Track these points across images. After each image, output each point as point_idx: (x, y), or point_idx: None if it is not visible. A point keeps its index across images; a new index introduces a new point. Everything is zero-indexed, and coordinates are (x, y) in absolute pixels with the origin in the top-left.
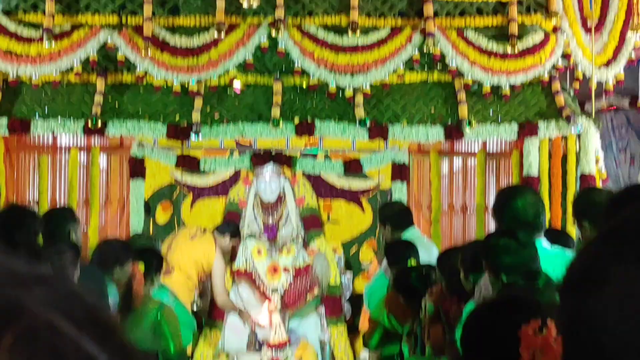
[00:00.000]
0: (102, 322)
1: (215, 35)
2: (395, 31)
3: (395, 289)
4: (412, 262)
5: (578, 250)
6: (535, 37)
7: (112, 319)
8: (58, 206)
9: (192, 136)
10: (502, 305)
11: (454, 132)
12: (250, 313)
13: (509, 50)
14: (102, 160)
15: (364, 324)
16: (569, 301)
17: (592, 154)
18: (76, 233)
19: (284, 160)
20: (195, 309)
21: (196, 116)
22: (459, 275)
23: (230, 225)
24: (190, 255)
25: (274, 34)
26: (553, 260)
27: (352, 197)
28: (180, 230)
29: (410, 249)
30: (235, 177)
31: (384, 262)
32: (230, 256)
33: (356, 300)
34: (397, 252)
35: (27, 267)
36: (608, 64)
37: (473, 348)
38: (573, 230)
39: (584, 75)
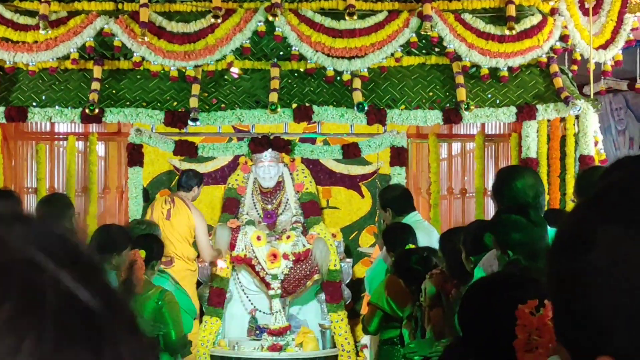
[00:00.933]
0: (83, 262)
1: (212, 21)
2: (392, 15)
3: (395, 271)
4: (410, 246)
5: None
6: (533, 19)
7: (95, 260)
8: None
9: (190, 123)
10: (499, 282)
11: (452, 115)
12: (250, 299)
13: (506, 32)
14: (100, 147)
15: (365, 309)
16: (557, 263)
17: (591, 135)
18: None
19: (282, 146)
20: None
21: (194, 102)
22: (460, 256)
23: (191, 176)
24: (181, 238)
25: (270, 18)
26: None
27: (351, 182)
28: (150, 212)
29: (408, 232)
30: (233, 164)
31: (384, 247)
32: (230, 243)
33: (356, 285)
34: (395, 236)
35: (10, 208)
36: (606, 45)
37: (470, 324)
38: None
39: (582, 57)
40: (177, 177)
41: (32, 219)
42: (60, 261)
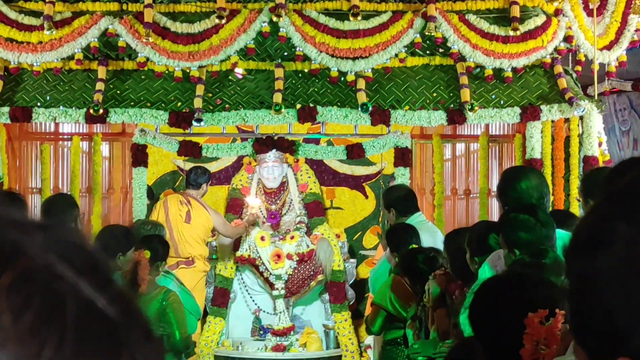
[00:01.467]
0: (100, 269)
1: (217, 21)
2: (396, 15)
3: (401, 271)
4: (413, 246)
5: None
6: (537, 20)
7: (110, 268)
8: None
9: (194, 123)
10: (512, 281)
11: (456, 116)
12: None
13: (510, 33)
14: (104, 147)
15: (369, 310)
16: (576, 261)
17: (595, 136)
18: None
19: (286, 146)
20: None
21: (198, 103)
22: (465, 257)
23: (199, 173)
24: (199, 239)
25: (275, 19)
26: (559, 241)
27: (355, 183)
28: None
29: (411, 233)
30: (237, 164)
31: (388, 248)
32: (234, 244)
33: (360, 286)
34: (398, 237)
35: (30, 217)
36: (610, 46)
37: (481, 322)
38: (577, 212)
39: (586, 57)
40: (181, 178)
41: (51, 226)
42: (79, 269)
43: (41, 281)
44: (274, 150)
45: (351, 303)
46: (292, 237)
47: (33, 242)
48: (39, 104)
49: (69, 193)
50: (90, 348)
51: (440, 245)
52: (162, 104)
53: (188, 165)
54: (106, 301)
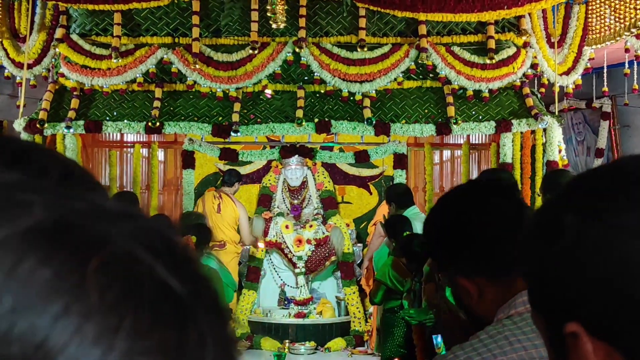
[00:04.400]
0: (177, 253)
1: (250, 52)
2: (395, 47)
3: (401, 253)
4: (406, 233)
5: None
6: (509, 51)
7: (188, 251)
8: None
9: (232, 134)
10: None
11: (443, 128)
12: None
13: (487, 61)
14: (160, 153)
15: (363, 282)
16: (533, 245)
17: (556, 145)
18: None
19: (306, 152)
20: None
21: (235, 117)
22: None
23: (233, 174)
24: (229, 227)
25: (297, 50)
26: None
27: (362, 182)
28: (202, 205)
29: (404, 222)
30: (267, 167)
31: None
32: (264, 230)
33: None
34: (394, 226)
35: (119, 206)
36: (568, 72)
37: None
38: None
39: (548, 81)
40: (221, 178)
41: (138, 215)
42: (156, 253)
43: (123, 265)
44: (296, 156)
45: (358, 279)
46: (310, 226)
47: (119, 231)
48: (107, 118)
49: (131, 190)
50: (161, 323)
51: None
52: (207, 118)
53: (227, 168)
54: (178, 282)
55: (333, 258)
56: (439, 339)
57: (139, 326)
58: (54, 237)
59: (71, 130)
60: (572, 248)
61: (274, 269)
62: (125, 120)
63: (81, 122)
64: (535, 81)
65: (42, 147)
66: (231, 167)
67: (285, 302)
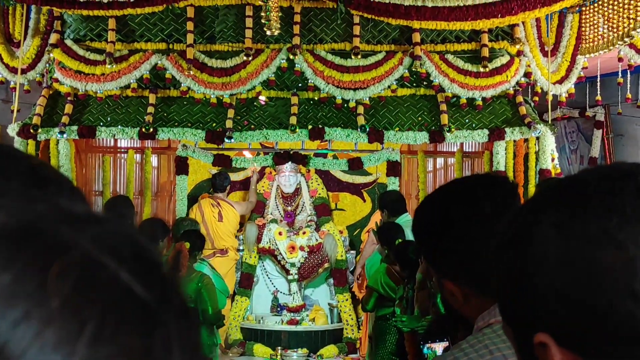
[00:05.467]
0: (143, 258)
1: (245, 58)
2: (389, 55)
3: (394, 259)
4: (398, 240)
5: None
6: (502, 59)
7: (156, 256)
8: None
9: (226, 140)
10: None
11: (436, 136)
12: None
13: (481, 70)
14: (153, 159)
15: (355, 288)
16: (502, 255)
17: (549, 153)
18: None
19: (300, 159)
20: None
21: (229, 123)
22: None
23: (222, 178)
24: (230, 233)
25: (291, 57)
26: None
27: (355, 189)
28: (200, 214)
29: (397, 230)
30: (261, 173)
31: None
32: (257, 237)
33: None
34: (387, 233)
35: (86, 210)
36: (561, 81)
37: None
38: None
39: (542, 90)
40: (212, 182)
41: (105, 220)
42: (121, 259)
43: (85, 271)
44: (290, 162)
45: (351, 286)
46: (304, 233)
47: (84, 236)
48: (101, 123)
49: (126, 195)
50: (125, 328)
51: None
52: (200, 124)
53: (214, 172)
54: (143, 287)
55: (326, 265)
56: (426, 348)
57: (101, 332)
58: (16, 242)
59: (65, 135)
60: (538, 259)
61: (267, 275)
62: (119, 126)
63: (75, 128)
64: (529, 90)
65: (9, 148)
66: (219, 171)
67: (278, 309)
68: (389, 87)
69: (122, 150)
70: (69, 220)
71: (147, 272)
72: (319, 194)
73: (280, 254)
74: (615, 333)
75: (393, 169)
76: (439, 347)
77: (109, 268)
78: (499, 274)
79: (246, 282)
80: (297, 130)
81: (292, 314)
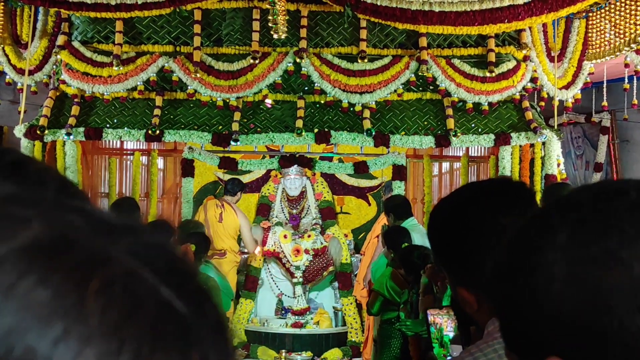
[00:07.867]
0: (180, 271)
1: (251, 61)
2: (395, 59)
3: (400, 264)
4: (404, 245)
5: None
6: (509, 64)
7: (191, 268)
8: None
9: (232, 143)
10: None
11: (442, 140)
12: (279, 285)
13: (487, 74)
14: (159, 161)
15: (356, 292)
16: (501, 283)
17: (555, 158)
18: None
19: (305, 162)
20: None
21: (235, 126)
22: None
23: (236, 183)
24: (229, 236)
25: (298, 60)
26: None
27: (361, 193)
28: (204, 214)
29: (403, 234)
30: (266, 176)
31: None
32: (262, 240)
33: None
34: (393, 237)
35: (119, 219)
36: (568, 86)
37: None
38: None
39: (548, 95)
40: (220, 186)
41: (139, 230)
42: (160, 272)
43: (124, 286)
44: (295, 166)
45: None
46: (309, 236)
47: (120, 248)
48: (108, 125)
49: (132, 197)
50: (164, 346)
51: (429, 244)
52: (207, 127)
53: (227, 177)
54: (182, 302)
55: (331, 268)
56: (430, 317)
57: (141, 350)
58: (52, 255)
59: (71, 137)
60: (543, 286)
61: (272, 278)
62: (126, 128)
63: (81, 129)
64: (535, 95)
65: (38, 159)
66: (234, 177)
67: (283, 312)
68: (395, 91)
69: (129, 152)
70: (103, 230)
71: (183, 285)
72: (325, 197)
73: (285, 256)
74: (627, 348)
75: (399, 173)
76: (445, 324)
77: (148, 282)
78: (500, 303)
79: (251, 284)
80: (303, 133)
81: (296, 317)
